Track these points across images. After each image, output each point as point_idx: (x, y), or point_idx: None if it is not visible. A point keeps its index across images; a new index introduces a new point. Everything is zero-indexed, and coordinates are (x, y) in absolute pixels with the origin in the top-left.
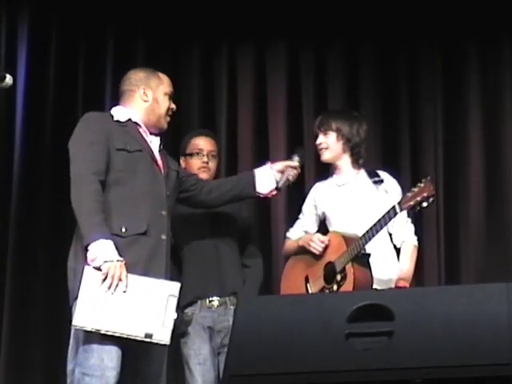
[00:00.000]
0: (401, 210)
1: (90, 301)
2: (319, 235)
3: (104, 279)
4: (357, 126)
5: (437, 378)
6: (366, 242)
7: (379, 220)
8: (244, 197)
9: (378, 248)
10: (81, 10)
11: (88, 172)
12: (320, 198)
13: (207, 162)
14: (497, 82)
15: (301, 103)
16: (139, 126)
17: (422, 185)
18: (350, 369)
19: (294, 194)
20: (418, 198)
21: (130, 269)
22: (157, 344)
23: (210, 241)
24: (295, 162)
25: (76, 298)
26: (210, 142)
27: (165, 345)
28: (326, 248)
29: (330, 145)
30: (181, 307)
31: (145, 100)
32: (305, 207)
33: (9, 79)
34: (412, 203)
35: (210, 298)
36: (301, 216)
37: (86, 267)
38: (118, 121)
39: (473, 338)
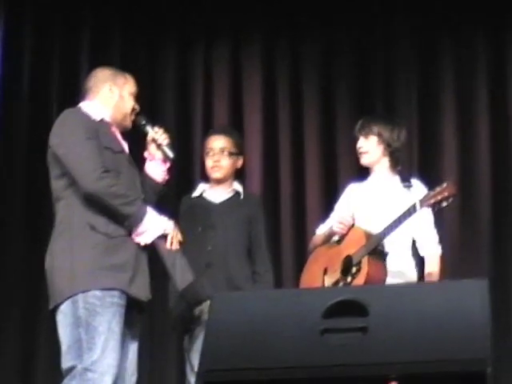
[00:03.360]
0: (421, 207)
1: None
2: (342, 216)
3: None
4: (397, 131)
5: (411, 374)
6: (384, 237)
7: (399, 216)
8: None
9: (393, 240)
10: (57, 5)
11: (98, 166)
12: (352, 198)
13: (218, 161)
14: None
15: (277, 98)
16: (111, 125)
17: (445, 185)
18: (325, 364)
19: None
20: (439, 197)
21: (120, 270)
22: None
23: (217, 239)
24: (150, 131)
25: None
26: (221, 139)
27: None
28: (347, 242)
29: (370, 149)
30: (190, 305)
31: (111, 97)
32: (337, 206)
33: None
34: (432, 201)
35: None
36: (332, 214)
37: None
38: (95, 120)
39: (448, 334)
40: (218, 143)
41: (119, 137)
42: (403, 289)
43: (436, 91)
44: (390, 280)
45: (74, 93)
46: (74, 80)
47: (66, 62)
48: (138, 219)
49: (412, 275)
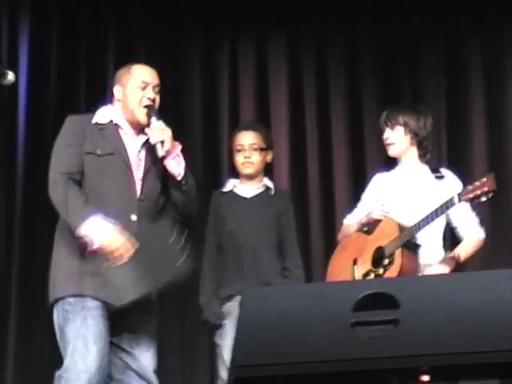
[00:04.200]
0: (459, 201)
1: None
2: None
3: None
4: (423, 119)
5: (443, 365)
6: (419, 230)
7: (436, 209)
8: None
9: (424, 232)
10: (81, 3)
11: (63, 172)
12: (380, 188)
13: (249, 157)
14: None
15: (302, 91)
16: (120, 127)
17: (485, 179)
18: (356, 357)
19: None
20: (478, 192)
21: (93, 274)
22: None
23: (248, 234)
24: (155, 123)
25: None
26: (250, 135)
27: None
28: (378, 233)
29: (396, 139)
30: (220, 300)
31: (119, 99)
32: (364, 196)
33: (11, 76)
34: (471, 196)
35: None
36: (359, 204)
37: None
38: (97, 123)
39: (478, 325)
40: (248, 139)
41: (127, 138)
42: (434, 280)
43: (464, 79)
44: (421, 273)
45: (101, 91)
46: (100, 79)
47: (93, 60)
48: (76, 228)
49: (443, 268)
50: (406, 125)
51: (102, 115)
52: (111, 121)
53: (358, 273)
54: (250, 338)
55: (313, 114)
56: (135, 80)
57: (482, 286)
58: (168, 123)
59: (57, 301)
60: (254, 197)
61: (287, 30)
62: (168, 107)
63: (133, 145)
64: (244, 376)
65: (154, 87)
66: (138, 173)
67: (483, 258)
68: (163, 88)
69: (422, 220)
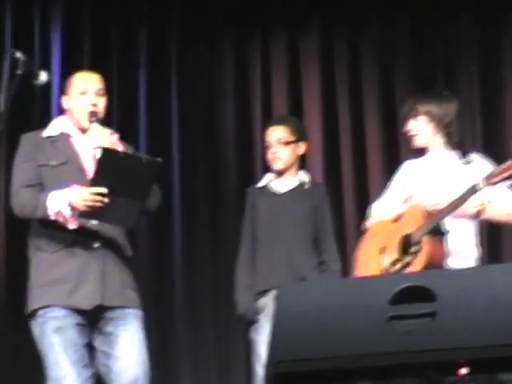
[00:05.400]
0: (485, 185)
1: None
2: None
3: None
4: (446, 104)
5: (482, 358)
6: (445, 216)
7: (462, 195)
8: None
9: (453, 218)
10: (114, 3)
11: (22, 185)
12: (409, 175)
13: (276, 152)
14: None
15: (335, 88)
16: (71, 136)
17: (509, 162)
18: (394, 351)
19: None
20: (505, 175)
21: (59, 283)
22: None
23: (283, 229)
24: (95, 128)
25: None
26: (276, 130)
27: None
28: (405, 220)
29: (419, 130)
30: (255, 295)
31: (66, 108)
32: (393, 183)
33: (44, 76)
34: (497, 179)
35: None
36: (388, 191)
37: None
38: (49, 136)
39: None
40: (274, 134)
41: (81, 145)
42: (470, 272)
43: (498, 63)
44: (450, 260)
45: (133, 89)
46: (133, 78)
47: (125, 58)
48: (46, 213)
49: (472, 255)
50: (427, 113)
51: (53, 128)
52: (61, 132)
53: (386, 261)
54: (286, 333)
55: (345, 105)
56: (76, 88)
57: None
58: (200, 122)
59: (30, 315)
60: (289, 191)
61: (318, 20)
62: (199, 106)
63: (86, 150)
64: (281, 371)
65: (95, 92)
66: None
67: None
68: (199, 88)
69: (448, 206)
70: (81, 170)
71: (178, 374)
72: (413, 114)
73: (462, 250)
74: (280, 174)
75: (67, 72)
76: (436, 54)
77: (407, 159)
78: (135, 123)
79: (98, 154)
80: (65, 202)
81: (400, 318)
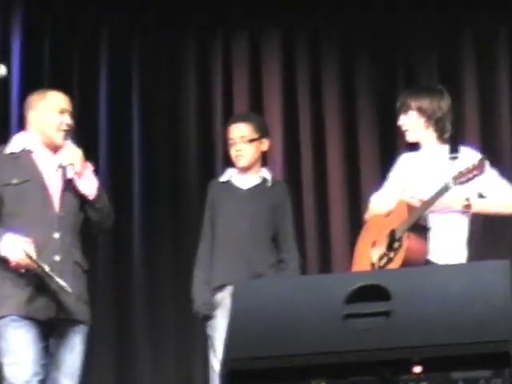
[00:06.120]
0: (454, 184)
1: None
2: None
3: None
4: (437, 99)
5: (435, 357)
6: (423, 213)
7: (435, 193)
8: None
9: (439, 215)
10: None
11: None
12: (404, 168)
13: (240, 150)
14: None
15: (296, 85)
16: (32, 152)
17: (477, 163)
18: (349, 349)
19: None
20: (471, 175)
21: (17, 295)
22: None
23: (242, 225)
24: (68, 146)
25: None
26: (240, 127)
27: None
28: (393, 215)
29: (411, 125)
30: (212, 290)
31: (35, 123)
32: (392, 175)
33: (2, 69)
34: (464, 179)
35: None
36: (387, 183)
37: None
38: (11, 153)
39: (471, 316)
40: (238, 132)
41: (43, 161)
42: (425, 271)
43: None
44: (435, 258)
45: (94, 86)
46: (93, 74)
47: (86, 54)
48: None
49: (459, 252)
50: (418, 108)
51: (15, 144)
52: (24, 148)
53: (375, 256)
54: (242, 330)
55: (306, 101)
56: (53, 106)
57: (474, 278)
58: (162, 118)
59: None
60: (251, 188)
61: (280, 16)
62: (162, 102)
63: (49, 166)
64: (235, 369)
65: (70, 113)
66: (56, 191)
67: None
68: (161, 86)
69: (425, 203)
70: (43, 186)
71: (136, 369)
72: (404, 108)
73: (447, 247)
74: (243, 170)
75: (27, 65)
76: (397, 50)
77: (367, 154)
78: (95, 117)
79: (70, 171)
80: (18, 251)
81: (355, 316)
